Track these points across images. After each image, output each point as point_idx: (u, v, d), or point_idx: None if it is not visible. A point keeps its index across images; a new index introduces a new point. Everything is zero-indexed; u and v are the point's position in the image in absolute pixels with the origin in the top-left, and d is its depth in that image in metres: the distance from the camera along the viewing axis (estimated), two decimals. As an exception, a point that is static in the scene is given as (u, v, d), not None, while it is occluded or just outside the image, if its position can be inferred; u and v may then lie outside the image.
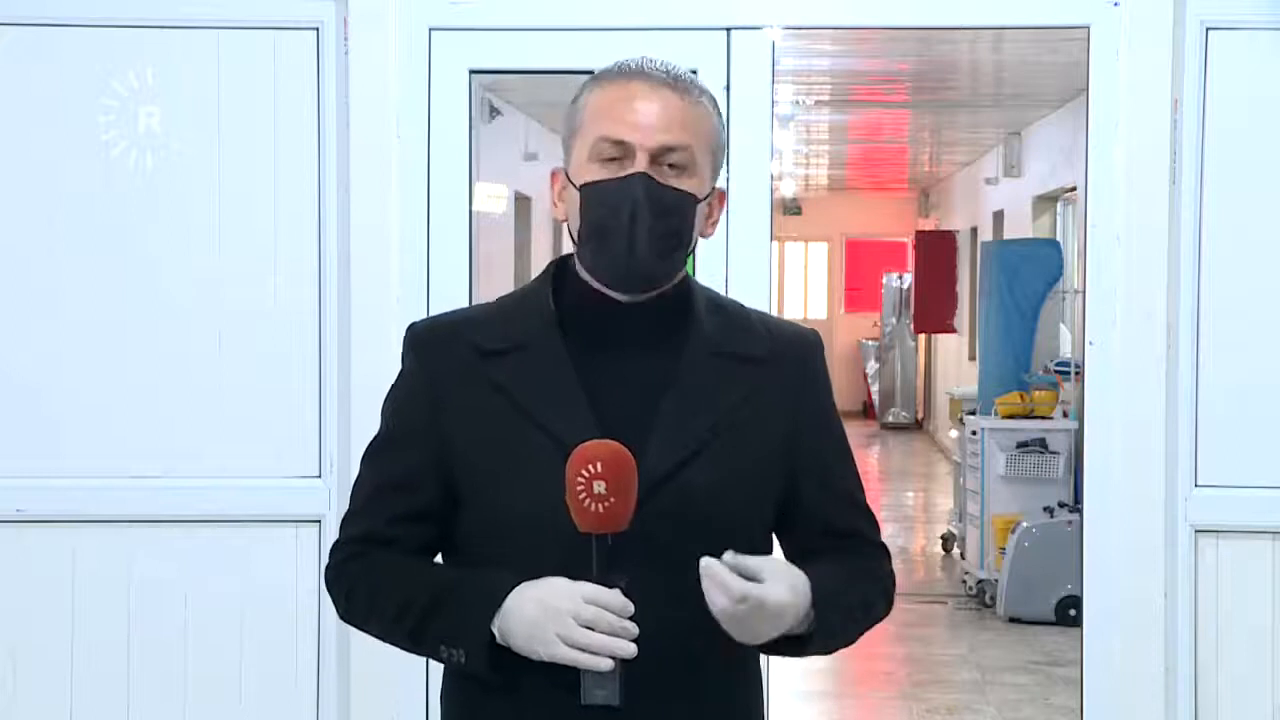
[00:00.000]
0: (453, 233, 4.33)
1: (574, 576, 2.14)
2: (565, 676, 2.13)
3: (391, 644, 2.34)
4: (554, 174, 2.32)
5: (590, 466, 2.10)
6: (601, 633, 2.10)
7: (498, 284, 10.14)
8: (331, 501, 4.26)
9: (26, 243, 4.27)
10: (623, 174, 2.21)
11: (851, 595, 2.30)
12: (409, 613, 2.24)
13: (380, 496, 2.31)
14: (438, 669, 2.37)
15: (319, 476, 4.28)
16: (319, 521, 4.27)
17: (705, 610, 2.16)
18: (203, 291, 4.28)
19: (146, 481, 4.28)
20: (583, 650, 2.10)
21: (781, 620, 2.15)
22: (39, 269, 4.27)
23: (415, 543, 2.30)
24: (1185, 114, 4.20)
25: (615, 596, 2.11)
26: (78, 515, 4.28)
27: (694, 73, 2.37)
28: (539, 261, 11.51)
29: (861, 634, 2.35)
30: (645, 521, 2.15)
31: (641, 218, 2.20)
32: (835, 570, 2.29)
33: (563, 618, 2.11)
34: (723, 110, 2.36)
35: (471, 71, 4.34)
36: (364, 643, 2.44)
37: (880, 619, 2.38)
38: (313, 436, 4.28)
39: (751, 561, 2.14)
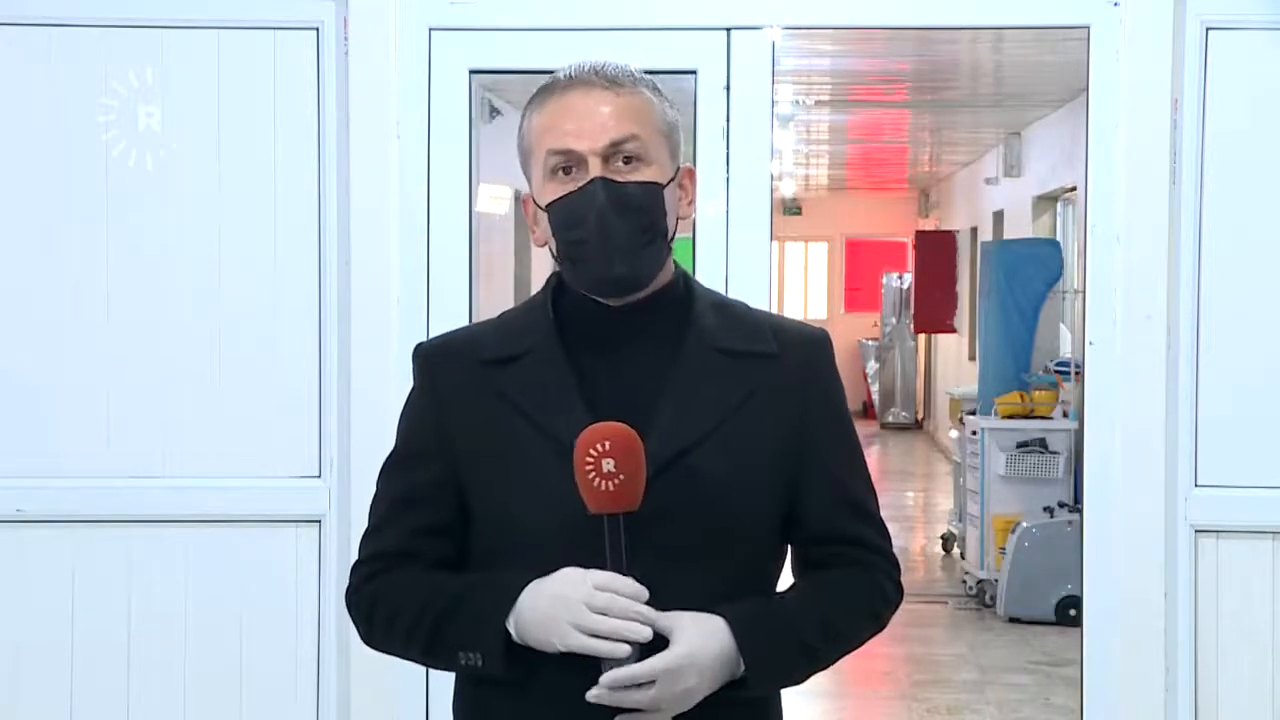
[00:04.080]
0: (453, 233, 4.33)
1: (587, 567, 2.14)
2: (583, 669, 2.13)
3: (411, 659, 2.34)
4: (525, 201, 2.33)
5: (599, 445, 2.11)
6: (615, 618, 2.10)
7: (498, 285, 10.14)
8: (331, 501, 4.26)
9: (26, 242, 4.27)
10: (580, 184, 2.22)
11: (810, 621, 2.26)
12: (423, 624, 2.24)
13: (395, 512, 2.32)
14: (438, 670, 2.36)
15: (319, 476, 4.28)
16: (319, 521, 4.27)
17: (715, 600, 2.17)
18: (203, 291, 4.28)
19: (146, 481, 4.28)
20: (597, 637, 2.10)
21: (706, 672, 2.14)
22: (39, 269, 4.27)
23: (432, 557, 2.30)
24: (1185, 114, 4.20)
25: (627, 582, 2.11)
26: (78, 515, 4.28)
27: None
28: (539, 262, 11.48)
29: (839, 656, 2.31)
30: (649, 511, 2.14)
31: (610, 221, 2.21)
32: (795, 597, 2.28)
33: (575, 605, 2.11)
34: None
35: (471, 71, 4.34)
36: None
37: (869, 635, 2.34)
38: (313, 436, 4.28)
39: (659, 618, 2.13)
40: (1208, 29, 4.20)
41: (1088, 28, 4.27)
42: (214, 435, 4.28)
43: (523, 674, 2.19)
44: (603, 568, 2.13)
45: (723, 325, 2.31)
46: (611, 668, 2.10)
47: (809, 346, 2.35)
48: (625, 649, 2.09)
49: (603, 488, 2.11)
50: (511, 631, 2.18)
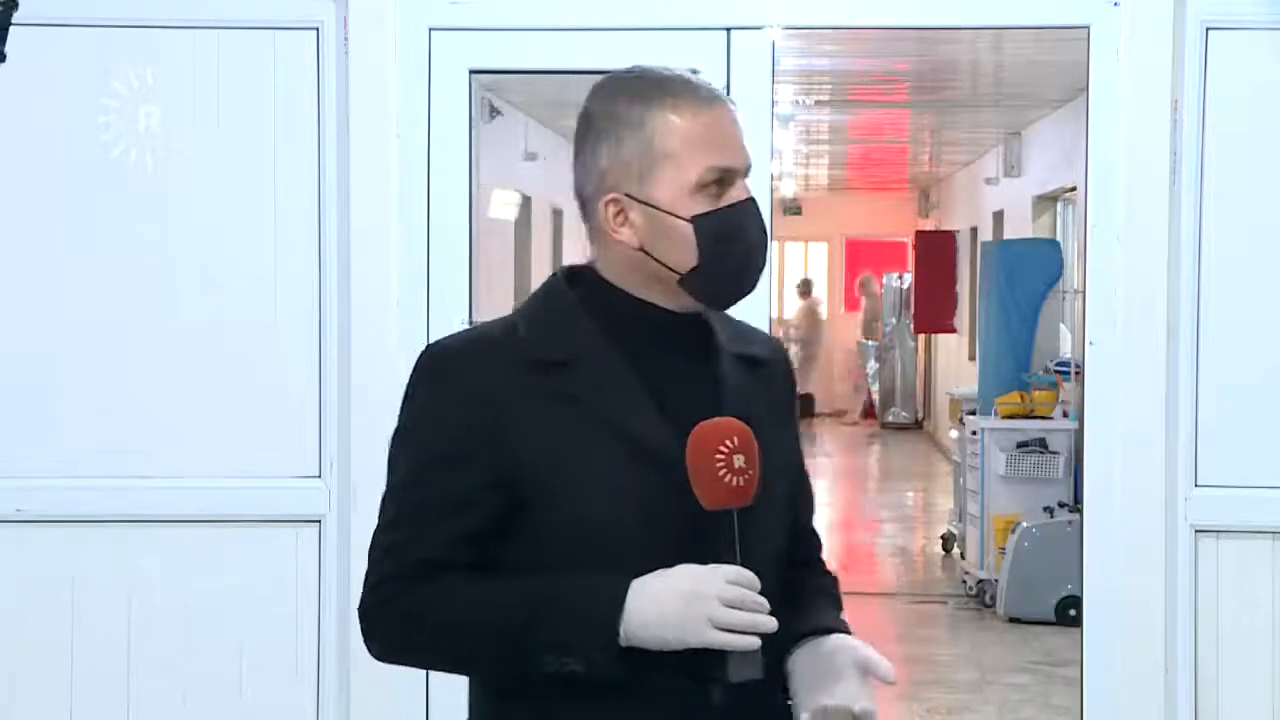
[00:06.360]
0: (452, 233, 4.33)
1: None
2: (691, 666, 2.13)
3: (459, 671, 2.27)
4: (611, 201, 2.23)
5: (729, 440, 2.12)
6: (746, 611, 2.10)
7: (497, 285, 10.14)
8: (331, 502, 4.26)
9: (26, 243, 4.27)
10: (730, 201, 2.23)
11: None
12: (489, 630, 2.15)
13: (430, 521, 2.19)
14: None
15: (319, 476, 4.28)
16: (319, 521, 4.27)
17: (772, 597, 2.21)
18: (203, 291, 4.28)
19: (146, 481, 4.28)
20: (733, 631, 2.10)
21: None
22: (39, 269, 4.27)
23: (466, 564, 2.20)
24: (1185, 114, 4.20)
25: (751, 575, 2.12)
26: (78, 515, 4.28)
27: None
28: (539, 263, 11.48)
29: None
30: (745, 512, 2.16)
31: (760, 239, 2.25)
32: (831, 604, 2.36)
33: (709, 601, 2.09)
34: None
35: (471, 71, 4.34)
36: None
37: None
38: (313, 436, 4.29)
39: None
40: (1208, 29, 4.20)
41: (1088, 28, 4.27)
42: (214, 435, 4.28)
43: (628, 676, 2.13)
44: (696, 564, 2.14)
45: (728, 332, 2.32)
46: (738, 659, 2.11)
47: (784, 355, 2.42)
48: (756, 641, 2.10)
49: (733, 483, 2.12)
50: (620, 632, 2.12)
